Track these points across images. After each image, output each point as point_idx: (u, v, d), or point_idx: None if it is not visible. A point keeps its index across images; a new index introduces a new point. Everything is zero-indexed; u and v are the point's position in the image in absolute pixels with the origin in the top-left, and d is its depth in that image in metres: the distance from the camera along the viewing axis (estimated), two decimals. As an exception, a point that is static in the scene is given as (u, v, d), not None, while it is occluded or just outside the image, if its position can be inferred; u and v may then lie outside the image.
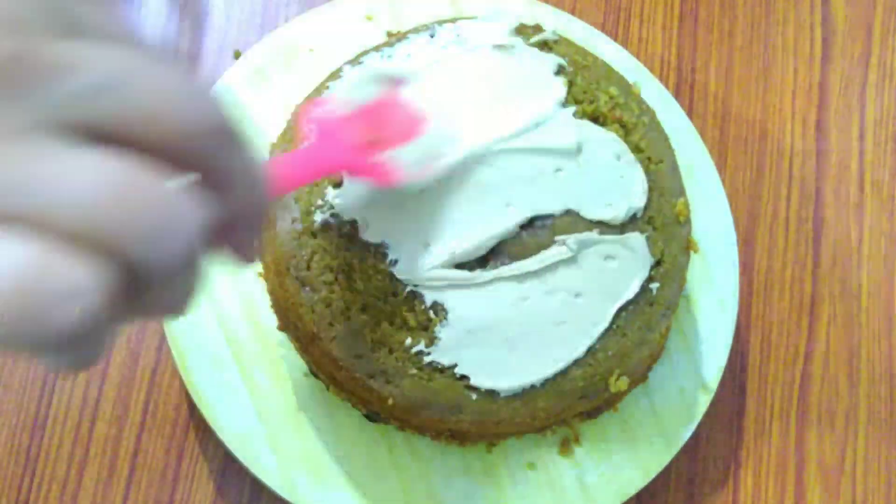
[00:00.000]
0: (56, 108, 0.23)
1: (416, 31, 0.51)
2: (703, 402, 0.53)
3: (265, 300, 0.50)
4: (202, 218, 0.24)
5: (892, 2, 0.68)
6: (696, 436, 0.53)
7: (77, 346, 0.23)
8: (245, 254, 0.30)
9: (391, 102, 0.46)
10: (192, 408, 0.52)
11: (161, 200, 0.23)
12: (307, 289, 0.46)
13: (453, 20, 0.51)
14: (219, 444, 0.51)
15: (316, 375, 0.50)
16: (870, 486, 0.58)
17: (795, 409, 0.59)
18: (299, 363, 0.50)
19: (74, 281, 0.22)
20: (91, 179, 0.22)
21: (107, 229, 0.22)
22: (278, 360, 0.50)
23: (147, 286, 0.24)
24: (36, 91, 0.23)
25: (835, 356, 0.60)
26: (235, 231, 0.29)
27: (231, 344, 0.50)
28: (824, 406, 0.59)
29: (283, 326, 0.49)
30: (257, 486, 0.51)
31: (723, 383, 0.55)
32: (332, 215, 0.46)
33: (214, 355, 0.50)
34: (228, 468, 0.52)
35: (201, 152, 0.25)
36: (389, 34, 0.54)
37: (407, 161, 0.44)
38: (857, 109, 0.66)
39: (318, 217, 0.46)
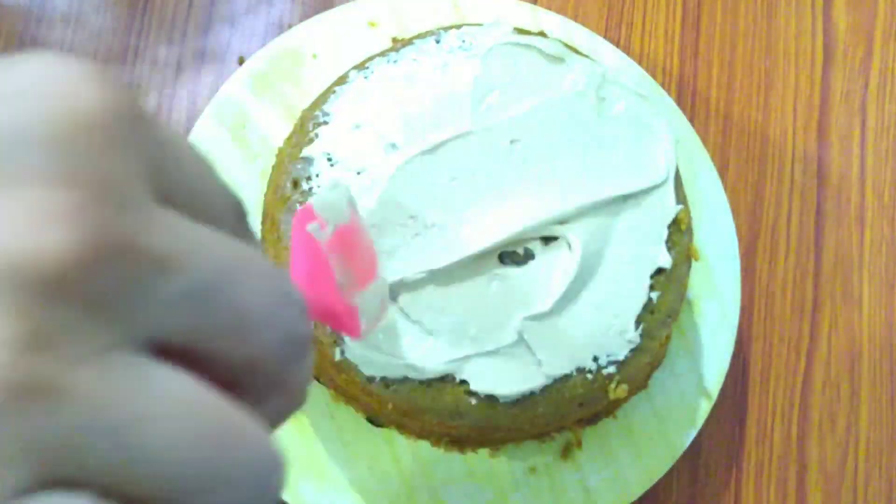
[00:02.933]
0: (146, 319, 0.18)
1: (421, 36, 0.51)
2: (705, 407, 0.53)
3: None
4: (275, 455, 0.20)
5: (894, 8, 0.68)
6: (697, 441, 0.53)
7: None
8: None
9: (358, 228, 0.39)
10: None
11: (252, 446, 0.19)
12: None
13: (458, 26, 0.51)
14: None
15: (318, 379, 0.50)
16: (871, 491, 0.59)
17: (797, 415, 0.59)
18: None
19: None
20: (181, 424, 0.18)
21: (191, 490, 0.18)
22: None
23: None
24: (129, 296, 0.18)
25: (836, 361, 0.61)
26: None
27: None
28: (826, 411, 0.60)
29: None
30: (261, 491, 0.51)
31: (724, 388, 0.55)
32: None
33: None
34: (232, 473, 0.52)
35: (276, 370, 0.21)
36: (395, 40, 0.54)
37: (368, 308, 0.38)
38: (858, 116, 0.66)
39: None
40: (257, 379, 0.21)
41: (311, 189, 0.47)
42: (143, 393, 0.18)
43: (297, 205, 0.47)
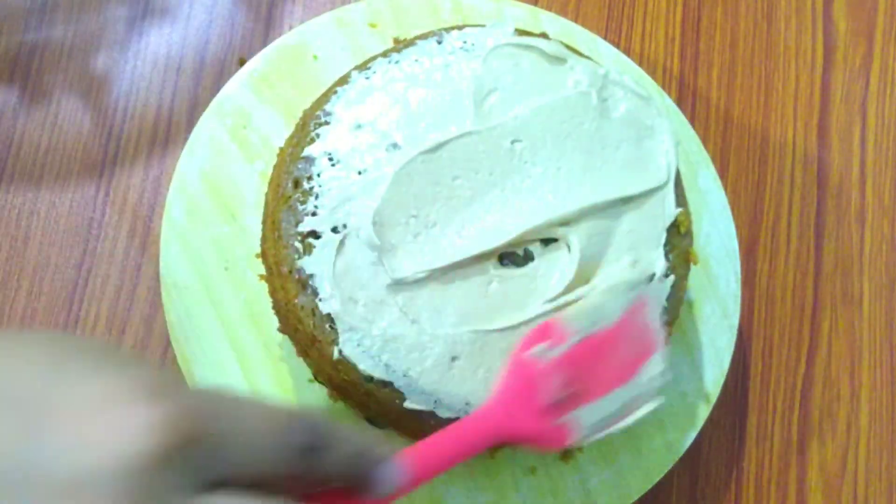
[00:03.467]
0: None
1: (423, 37, 0.51)
2: (705, 408, 0.53)
3: (268, 306, 0.50)
4: None
5: (894, 10, 0.68)
6: (697, 442, 0.53)
7: None
8: None
9: (626, 329, 0.43)
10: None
11: None
12: (307, 291, 0.46)
13: (460, 27, 0.52)
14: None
15: (316, 378, 0.50)
16: (871, 492, 0.59)
17: (797, 416, 0.59)
18: (303, 370, 0.50)
19: None
20: None
21: None
22: (282, 366, 0.50)
23: None
24: None
25: (836, 362, 0.61)
26: None
27: (235, 350, 0.50)
28: (826, 412, 0.60)
29: (284, 329, 0.49)
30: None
31: (725, 390, 0.55)
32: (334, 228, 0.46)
33: (219, 363, 0.50)
34: (232, 473, 0.52)
35: None
36: (396, 40, 0.54)
37: (594, 420, 0.42)
38: (858, 116, 0.66)
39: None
40: None
41: (311, 188, 0.47)
42: None
43: (299, 204, 0.47)
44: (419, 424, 0.47)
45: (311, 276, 0.46)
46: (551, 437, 0.42)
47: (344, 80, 0.50)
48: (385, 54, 0.50)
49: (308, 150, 0.48)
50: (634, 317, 0.43)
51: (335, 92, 0.49)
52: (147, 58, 0.59)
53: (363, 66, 0.50)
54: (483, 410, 0.42)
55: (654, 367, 0.43)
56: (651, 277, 0.47)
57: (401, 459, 0.35)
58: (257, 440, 0.29)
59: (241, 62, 0.58)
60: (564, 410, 0.42)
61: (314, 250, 0.46)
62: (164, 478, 0.26)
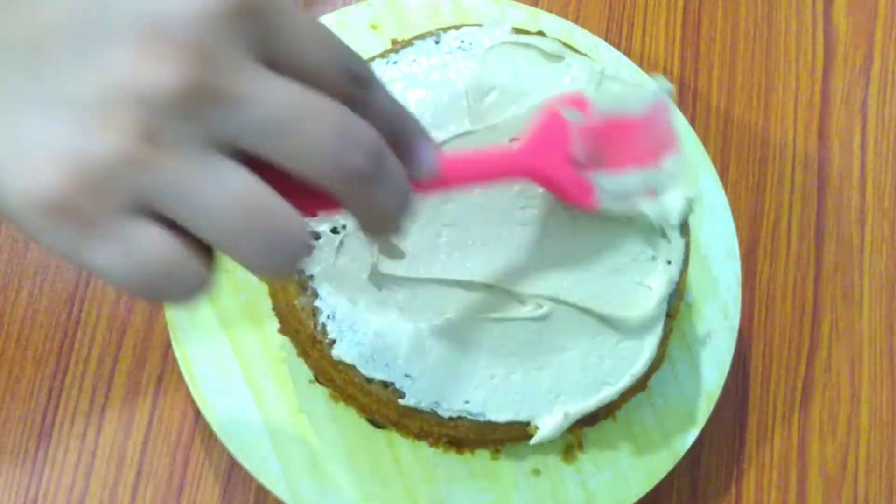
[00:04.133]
0: (224, 133, 0.28)
1: (421, 37, 0.52)
2: (706, 408, 0.54)
3: (269, 306, 0.50)
4: (307, 242, 0.29)
5: (894, 10, 0.68)
6: (698, 442, 0.53)
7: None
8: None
9: (648, 122, 0.45)
10: (198, 415, 0.52)
11: (276, 226, 0.28)
12: (307, 292, 0.46)
13: (458, 27, 0.52)
14: (224, 451, 0.51)
15: (317, 380, 0.50)
16: (871, 492, 0.59)
17: (797, 416, 0.59)
18: (303, 371, 0.50)
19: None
20: (229, 201, 0.28)
21: (227, 242, 0.28)
22: (283, 367, 0.50)
23: None
24: (213, 116, 0.27)
25: (837, 363, 0.61)
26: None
27: (236, 351, 0.50)
28: (826, 413, 0.60)
29: (284, 330, 0.49)
30: (262, 493, 0.51)
31: (725, 390, 0.55)
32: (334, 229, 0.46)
33: (220, 363, 0.50)
34: (234, 475, 0.52)
35: (344, 192, 0.30)
36: (394, 41, 0.55)
37: (614, 190, 0.44)
38: (858, 118, 0.66)
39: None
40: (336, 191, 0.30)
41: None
42: (214, 177, 0.28)
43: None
44: (421, 424, 0.47)
45: (311, 276, 0.46)
46: (576, 187, 0.43)
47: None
48: (383, 55, 0.51)
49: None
50: (657, 113, 0.45)
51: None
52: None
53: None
54: (515, 147, 0.43)
55: (674, 163, 0.45)
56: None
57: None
58: (313, 43, 0.30)
59: (242, 64, 0.58)
60: (589, 171, 0.44)
61: (314, 251, 0.46)
62: (230, 36, 0.28)
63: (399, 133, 0.33)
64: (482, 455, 0.51)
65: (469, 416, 0.46)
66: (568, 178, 0.43)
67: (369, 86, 0.32)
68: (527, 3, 0.60)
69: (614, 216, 0.47)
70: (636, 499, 0.51)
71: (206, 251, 0.29)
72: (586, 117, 0.44)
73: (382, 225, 0.33)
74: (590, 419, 0.50)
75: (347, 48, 0.31)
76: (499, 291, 0.46)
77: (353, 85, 0.31)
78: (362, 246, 0.46)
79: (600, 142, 0.44)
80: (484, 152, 0.43)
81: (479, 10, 0.58)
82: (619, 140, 0.44)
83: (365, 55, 0.52)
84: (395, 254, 0.44)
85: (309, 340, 0.47)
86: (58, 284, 0.54)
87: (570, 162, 0.43)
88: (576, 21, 0.62)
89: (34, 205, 0.27)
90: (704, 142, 0.61)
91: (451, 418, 0.46)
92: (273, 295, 0.50)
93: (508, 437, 0.49)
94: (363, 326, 0.45)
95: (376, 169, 0.30)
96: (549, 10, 0.61)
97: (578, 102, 0.45)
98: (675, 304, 0.50)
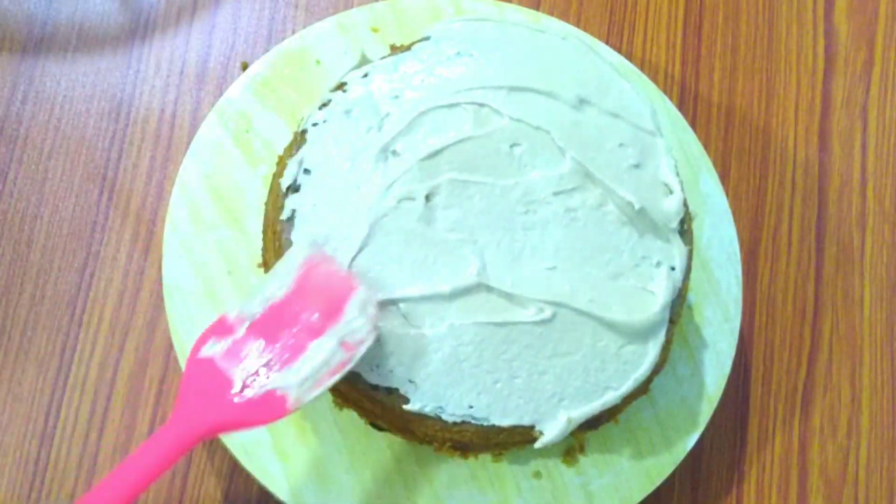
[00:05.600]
0: None
1: (419, 42, 0.52)
2: (707, 411, 0.54)
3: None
4: None
5: (895, 14, 0.68)
6: (699, 445, 0.54)
7: None
8: None
9: (309, 286, 0.44)
10: (200, 417, 0.52)
11: None
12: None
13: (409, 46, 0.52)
14: (226, 453, 0.51)
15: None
16: (872, 495, 0.59)
17: (798, 419, 0.59)
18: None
19: None
20: None
21: None
22: (285, 369, 0.51)
23: None
24: None
25: (837, 365, 0.61)
26: None
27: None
28: (827, 415, 0.60)
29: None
30: (264, 495, 0.52)
31: (726, 392, 0.55)
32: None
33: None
34: (236, 477, 0.52)
35: None
36: (393, 47, 0.55)
37: (302, 377, 0.41)
38: (859, 121, 0.66)
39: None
40: None
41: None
42: None
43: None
44: (425, 429, 0.48)
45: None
46: (261, 410, 0.41)
47: (341, 87, 0.50)
48: (382, 60, 0.51)
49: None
50: (311, 274, 0.44)
51: (331, 100, 0.50)
52: (150, 62, 0.59)
53: (360, 71, 0.51)
54: (168, 422, 0.40)
55: (356, 307, 0.44)
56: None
57: None
58: None
59: (244, 67, 0.58)
60: (269, 378, 0.41)
61: None
62: None
63: None
64: (484, 457, 0.51)
65: (473, 421, 0.46)
66: (244, 410, 0.40)
67: None
68: (528, 5, 0.60)
69: (614, 218, 0.47)
70: (637, 501, 0.51)
71: None
72: (230, 337, 0.42)
73: None
74: (592, 422, 0.50)
75: None
76: (502, 296, 0.46)
77: None
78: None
79: (272, 332, 0.42)
80: (137, 456, 0.39)
81: (480, 12, 0.58)
82: (287, 320, 0.42)
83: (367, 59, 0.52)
84: None
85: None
86: (60, 287, 0.54)
87: (241, 391, 0.41)
88: (577, 24, 0.62)
89: None
90: (706, 144, 0.61)
91: (455, 423, 0.46)
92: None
93: (512, 441, 0.49)
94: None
95: None
96: (551, 12, 0.61)
97: (220, 326, 0.43)
98: (678, 311, 0.50)
